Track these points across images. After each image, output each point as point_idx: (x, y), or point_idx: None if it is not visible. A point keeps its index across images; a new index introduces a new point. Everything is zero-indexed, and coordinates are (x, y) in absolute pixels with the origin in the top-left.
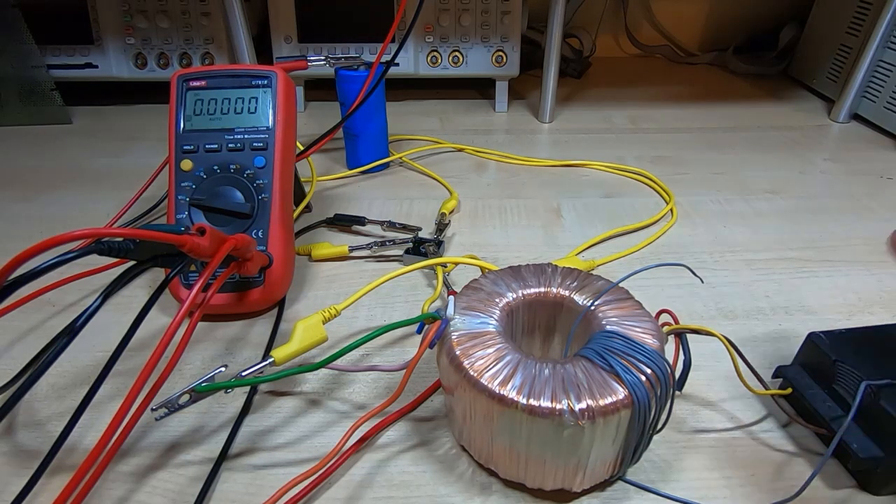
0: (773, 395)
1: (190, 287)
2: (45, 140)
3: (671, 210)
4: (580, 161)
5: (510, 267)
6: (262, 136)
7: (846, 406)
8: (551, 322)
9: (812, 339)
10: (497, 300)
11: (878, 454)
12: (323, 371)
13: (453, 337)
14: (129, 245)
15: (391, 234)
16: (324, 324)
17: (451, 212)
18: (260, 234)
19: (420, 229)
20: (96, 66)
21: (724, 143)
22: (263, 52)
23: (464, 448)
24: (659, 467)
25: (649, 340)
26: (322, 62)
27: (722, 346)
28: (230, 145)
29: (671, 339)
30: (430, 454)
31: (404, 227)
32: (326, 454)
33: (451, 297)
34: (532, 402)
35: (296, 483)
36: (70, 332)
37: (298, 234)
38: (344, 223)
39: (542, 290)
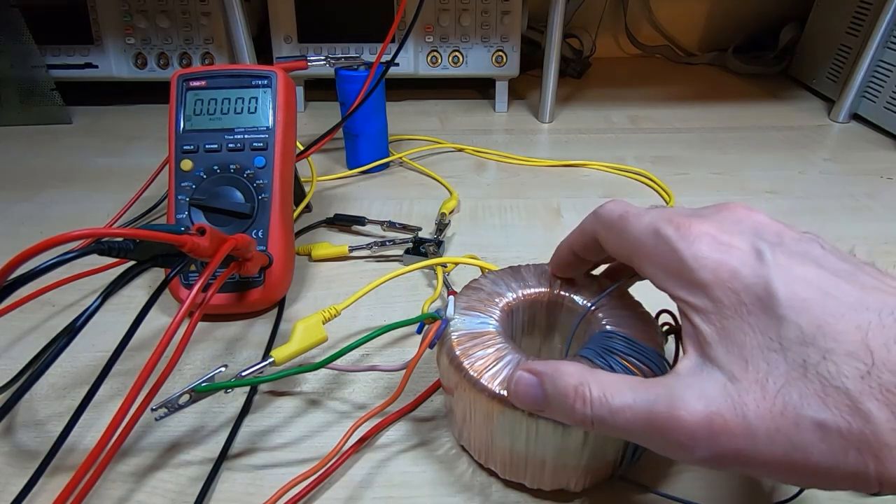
0: None
1: (190, 287)
2: (45, 140)
3: None
4: (580, 161)
5: (510, 267)
6: (262, 136)
7: None
8: (551, 322)
9: None
10: (497, 300)
11: None
12: (323, 371)
13: (453, 337)
14: (129, 245)
15: (391, 234)
16: (324, 324)
17: (451, 212)
18: (260, 234)
19: (420, 229)
20: (96, 66)
21: (724, 143)
22: (263, 52)
23: (464, 448)
24: (659, 467)
25: (649, 340)
26: (322, 62)
27: None
28: (230, 145)
29: (671, 339)
30: (430, 454)
31: (404, 227)
32: (326, 454)
33: (451, 297)
34: None
35: (296, 483)
36: (70, 332)
37: (298, 234)
38: (344, 223)
39: (542, 290)
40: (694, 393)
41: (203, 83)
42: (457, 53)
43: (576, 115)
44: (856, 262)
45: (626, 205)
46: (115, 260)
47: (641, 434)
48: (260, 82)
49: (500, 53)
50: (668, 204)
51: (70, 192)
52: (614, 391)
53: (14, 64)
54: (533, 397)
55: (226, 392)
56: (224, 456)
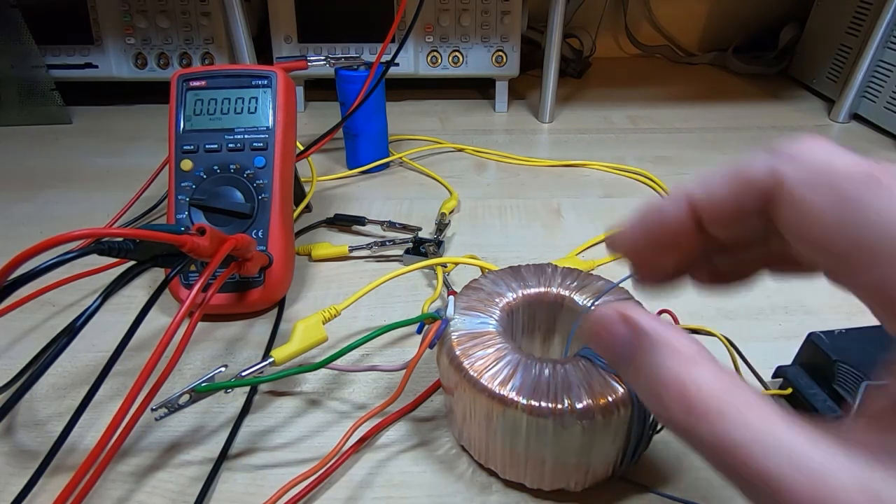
0: (773, 396)
1: (190, 287)
2: (45, 140)
3: None
4: (580, 161)
5: (510, 267)
6: (262, 136)
7: (846, 406)
8: (551, 322)
9: (812, 339)
10: (497, 300)
11: None
12: (323, 371)
13: (453, 337)
14: (129, 245)
15: (391, 234)
16: (324, 324)
17: (451, 212)
18: (260, 234)
19: (420, 229)
20: (96, 66)
21: (724, 143)
22: (263, 52)
23: (464, 448)
24: (659, 467)
25: None
26: (322, 62)
27: (722, 346)
28: (230, 145)
29: None
30: (430, 454)
31: (404, 227)
32: (326, 454)
33: (451, 297)
34: (532, 402)
35: (296, 483)
36: (70, 332)
37: (298, 234)
38: (344, 223)
39: (542, 290)
40: (856, 486)
41: (203, 83)
42: (457, 53)
43: (576, 115)
44: None
45: (860, 158)
46: (115, 260)
47: (734, 477)
48: (260, 82)
49: (500, 53)
50: None
51: (70, 192)
52: (761, 421)
53: (14, 64)
54: (618, 352)
55: (226, 392)
56: (224, 456)
